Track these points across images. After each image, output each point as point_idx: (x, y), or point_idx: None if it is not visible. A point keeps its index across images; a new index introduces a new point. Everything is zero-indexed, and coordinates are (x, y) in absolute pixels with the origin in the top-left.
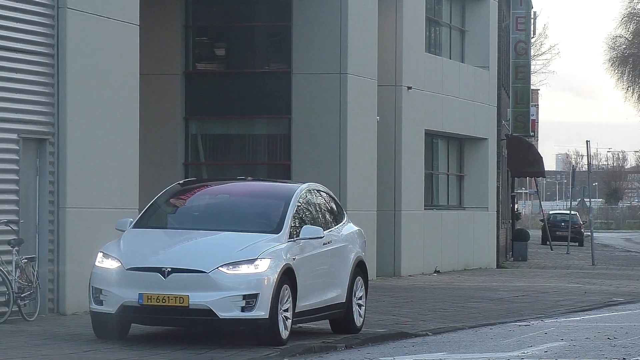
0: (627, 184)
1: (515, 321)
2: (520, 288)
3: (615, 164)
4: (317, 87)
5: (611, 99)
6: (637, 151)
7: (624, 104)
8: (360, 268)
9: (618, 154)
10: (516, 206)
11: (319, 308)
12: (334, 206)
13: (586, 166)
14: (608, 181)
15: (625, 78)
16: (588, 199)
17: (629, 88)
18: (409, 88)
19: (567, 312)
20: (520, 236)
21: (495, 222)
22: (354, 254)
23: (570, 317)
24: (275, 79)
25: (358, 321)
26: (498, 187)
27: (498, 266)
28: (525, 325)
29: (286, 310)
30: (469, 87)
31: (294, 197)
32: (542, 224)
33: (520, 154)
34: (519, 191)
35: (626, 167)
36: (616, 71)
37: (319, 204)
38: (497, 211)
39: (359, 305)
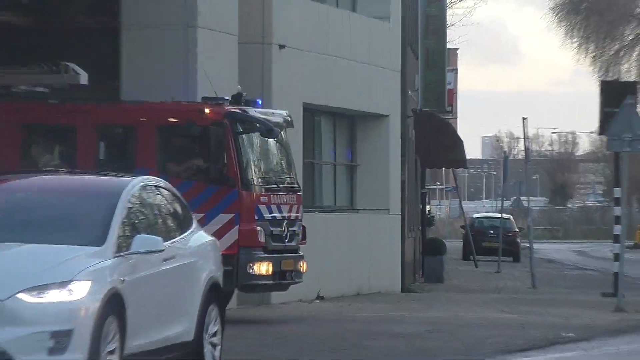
0: (579, 176)
1: None
2: (433, 320)
3: (563, 150)
4: (154, 46)
5: (557, 62)
6: (593, 132)
7: (574, 65)
8: (214, 293)
9: (566, 137)
10: (428, 208)
11: (158, 349)
12: (179, 208)
13: (523, 153)
14: (553, 173)
15: (575, 33)
16: (526, 198)
17: (582, 46)
18: (281, 47)
19: (499, 352)
20: (433, 249)
21: (399, 230)
22: (206, 273)
23: None
24: (97, 35)
25: None
26: (403, 182)
27: (404, 290)
28: None
29: (112, 352)
30: (363, 45)
31: (122, 195)
32: (464, 232)
33: (433, 137)
34: (431, 187)
35: (577, 154)
36: (563, 24)
37: (158, 206)
38: (402, 214)
39: (213, 345)
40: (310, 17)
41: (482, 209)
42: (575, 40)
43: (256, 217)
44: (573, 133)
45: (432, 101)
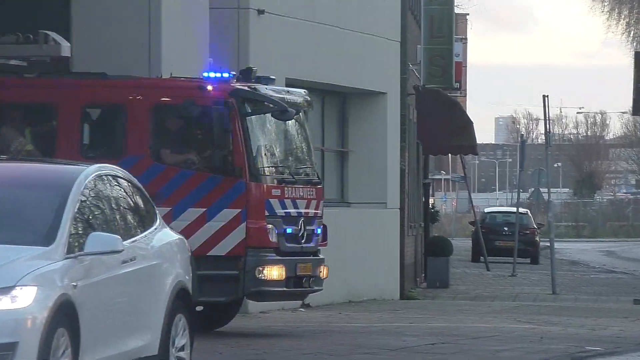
0: (609, 164)
1: None
2: (437, 331)
3: (590, 133)
4: (109, 8)
5: (583, 31)
6: (625, 112)
7: (604, 34)
8: (182, 300)
9: (594, 118)
10: (432, 201)
11: None
12: (141, 201)
13: (543, 136)
14: (579, 161)
15: None
16: (546, 189)
17: (613, 11)
18: (260, 12)
19: None
20: (437, 248)
21: (397, 227)
22: (172, 277)
23: None
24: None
25: None
26: (403, 171)
27: (403, 296)
28: None
29: None
30: (355, 10)
31: (74, 186)
32: (473, 229)
33: (438, 118)
34: (436, 177)
35: (607, 138)
36: None
37: (116, 199)
38: (401, 209)
39: None
40: None
41: (494, 203)
42: (605, 3)
43: (267, 213)
44: (602, 113)
45: (437, 76)
